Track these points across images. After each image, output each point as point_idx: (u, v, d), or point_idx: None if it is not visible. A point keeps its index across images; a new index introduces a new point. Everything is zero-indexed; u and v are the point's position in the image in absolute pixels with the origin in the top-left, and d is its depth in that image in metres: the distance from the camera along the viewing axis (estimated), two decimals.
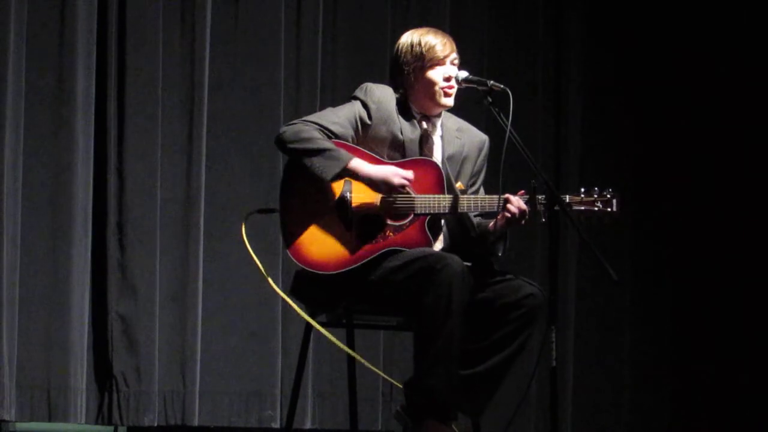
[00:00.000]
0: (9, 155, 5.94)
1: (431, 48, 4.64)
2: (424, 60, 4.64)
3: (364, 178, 4.50)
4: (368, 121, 4.60)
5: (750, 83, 7.51)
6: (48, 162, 6.09)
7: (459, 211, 4.56)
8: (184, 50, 6.40)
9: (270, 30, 6.61)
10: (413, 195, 4.54)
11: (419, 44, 4.66)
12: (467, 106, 4.85)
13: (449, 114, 4.79)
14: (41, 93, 6.09)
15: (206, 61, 6.42)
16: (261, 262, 4.71)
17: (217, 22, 6.49)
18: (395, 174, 4.49)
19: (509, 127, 4.45)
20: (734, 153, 7.56)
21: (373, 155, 4.58)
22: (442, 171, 4.59)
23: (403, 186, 4.49)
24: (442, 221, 4.66)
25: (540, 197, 4.51)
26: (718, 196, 7.55)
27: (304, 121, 4.54)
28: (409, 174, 4.51)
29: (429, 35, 4.68)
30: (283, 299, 4.73)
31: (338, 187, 4.53)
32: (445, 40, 4.68)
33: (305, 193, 4.52)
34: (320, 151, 4.46)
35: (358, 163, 4.49)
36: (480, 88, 4.58)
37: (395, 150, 4.61)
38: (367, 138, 4.60)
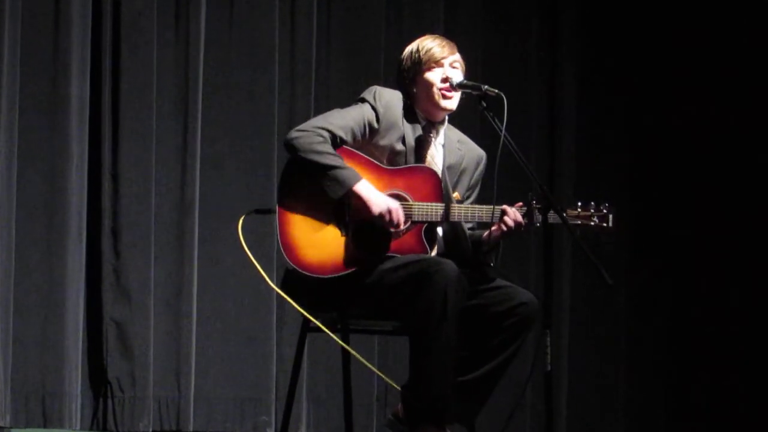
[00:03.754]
0: (3, 160, 5.94)
1: (429, 50, 4.67)
2: (423, 62, 4.66)
3: (364, 200, 4.47)
4: (376, 125, 4.61)
5: (748, 86, 7.51)
6: (42, 167, 6.09)
7: (455, 219, 4.57)
8: (179, 55, 6.41)
9: (264, 35, 6.61)
10: (411, 202, 4.55)
11: (418, 49, 4.69)
12: (464, 112, 4.85)
13: (452, 126, 4.79)
14: (35, 98, 6.09)
15: (200, 66, 6.43)
16: (257, 262, 4.71)
17: (212, 27, 6.49)
18: (389, 211, 4.48)
19: (503, 131, 4.45)
20: (731, 156, 7.57)
21: (373, 161, 4.58)
22: (440, 179, 4.60)
23: (386, 223, 4.48)
24: (438, 230, 4.66)
25: (534, 202, 4.52)
26: (714, 199, 7.55)
27: (315, 127, 4.52)
28: (402, 219, 4.49)
29: (427, 39, 4.72)
30: (280, 301, 4.73)
31: None
32: (444, 43, 4.70)
33: (303, 197, 4.51)
34: (330, 168, 4.46)
35: (362, 187, 4.48)
36: (474, 92, 4.58)
37: (397, 155, 4.62)
38: (372, 141, 4.61)
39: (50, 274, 6.06)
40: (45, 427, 6.05)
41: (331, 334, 4.60)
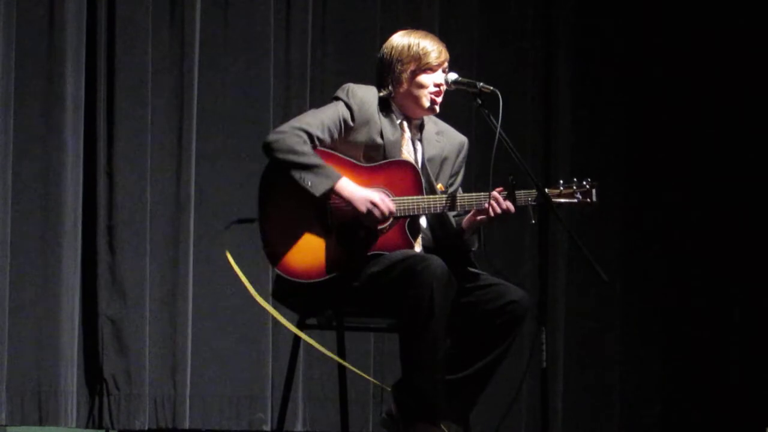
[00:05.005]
0: None
1: (427, 53, 4.63)
2: (419, 62, 4.62)
3: (347, 198, 4.49)
4: (351, 123, 4.60)
5: (743, 80, 7.51)
6: (38, 165, 6.09)
7: (438, 211, 4.56)
8: (174, 52, 6.40)
9: (259, 32, 6.61)
10: (392, 198, 4.54)
11: (417, 46, 4.64)
12: (455, 106, 4.84)
13: (429, 117, 4.77)
14: (31, 96, 6.08)
15: (196, 63, 6.42)
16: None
17: (207, 24, 6.49)
18: (374, 204, 4.48)
19: (499, 128, 4.45)
20: (726, 150, 7.56)
21: (351, 160, 4.58)
22: (420, 172, 4.59)
23: (376, 217, 4.48)
24: (422, 221, 4.66)
25: (530, 198, 4.53)
26: (708, 195, 7.56)
27: (292, 128, 4.51)
28: (391, 207, 4.50)
29: (427, 40, 4.66)
30: (273, 313, 4.72)
31: None
32: (441, 48, 4.66)
33: (284, 202, 4.51)
34: (310, 167, 4.46)
35: (344, 184, 4.48)
36: (470, 90, 4.58)
37: (375, 151, 4.61)
38: (348, 139, 4.60)
39: (45, 272, 6.06)
40: (41, 424, 6.05)
41: (322, 348, 4.62)
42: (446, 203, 4.56)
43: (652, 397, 7.57)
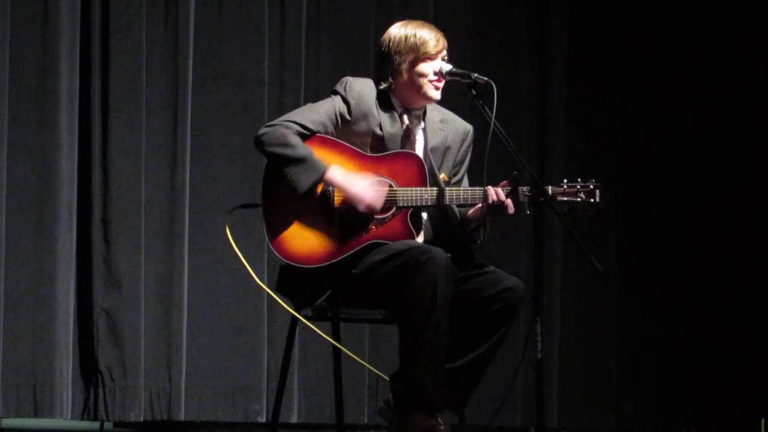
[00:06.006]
0: None
1: (425, 42, 4.62)
2: (417, 53, 4.61)
3: (340, 188, 4.49)
4: (348, 117, 4.59)
5: (742, 79, 7.52)
6: (32, 158, 6.09)
7: (440, 203, 4.56)
8: (168, 46, 6.40)
9: (254, 25, 6.61)
10: (395, 188, 4.55)
11: (414, 36, 4.63)
12: (452, 96, 4.85)
13: (432, 105, 4.76)
14: (25, 89, 6.09)
15: (190, 57, 6.43)
16: (245, 257, 4.71)
17: (201, 18, 6.49)
18: (366, 197, 4.49)
19: (493, 119, 4.45)
20: (722, 144, 7.57)
21: (356, 149, 4.58)
22: (424, 164, 4.59)
23: (368, 210, 4.49)
24: (424, 213, 4.66)
25: (525, 189, 4.52)
26: (705, 187, 7.56)
27: (284, 121, 4.52)
28: (380, 202, 4.51)
29: (423, 29, 4.66)
30: (269, 294, 4.72)
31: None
32: (439, 36, 4.65)
33: (287, 188, 4.51)
34: (297, 161, 4.46)
35: (332, 175, 4.48)
36: (464, 80, 4.57)
37: (374, 144, 4.61)
38: (346, 132, 4.60)
39: (41, 265, 6.07)
40: (36, 416, 6.05)
41: (319, 332, 4.63)
42: (449, 195, 4.56)
43: (649, 388, 7.58)
